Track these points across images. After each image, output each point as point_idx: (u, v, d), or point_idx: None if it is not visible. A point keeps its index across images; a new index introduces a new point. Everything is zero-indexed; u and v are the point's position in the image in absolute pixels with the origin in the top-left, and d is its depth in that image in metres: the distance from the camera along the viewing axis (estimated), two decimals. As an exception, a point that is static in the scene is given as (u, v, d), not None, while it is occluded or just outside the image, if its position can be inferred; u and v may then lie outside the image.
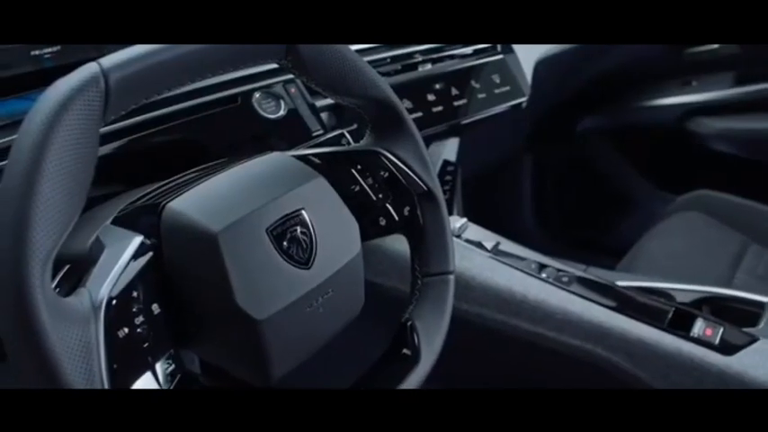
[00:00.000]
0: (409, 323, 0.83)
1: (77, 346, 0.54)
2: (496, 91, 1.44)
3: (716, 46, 2.03)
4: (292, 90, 1.08)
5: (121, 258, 0.60)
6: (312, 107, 1.09)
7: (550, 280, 1.14)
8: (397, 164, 0.84)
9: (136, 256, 0.62)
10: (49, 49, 0.90)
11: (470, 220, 1.25)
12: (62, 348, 0.53)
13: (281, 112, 1.05)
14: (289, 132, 1.05)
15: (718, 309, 1.15)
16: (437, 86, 1.32)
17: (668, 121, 2.12)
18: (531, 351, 1.13)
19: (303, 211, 0.70)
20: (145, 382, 0.63)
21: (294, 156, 0.77)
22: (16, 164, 0.54)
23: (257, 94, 1.03)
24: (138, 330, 0.60)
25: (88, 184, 0.58)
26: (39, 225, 0.53)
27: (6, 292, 0.52)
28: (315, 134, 1.08)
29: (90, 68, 0.56)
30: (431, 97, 1.30)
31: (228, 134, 0.99)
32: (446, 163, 1.44)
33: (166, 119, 0.91)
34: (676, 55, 2.10)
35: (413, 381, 0.79)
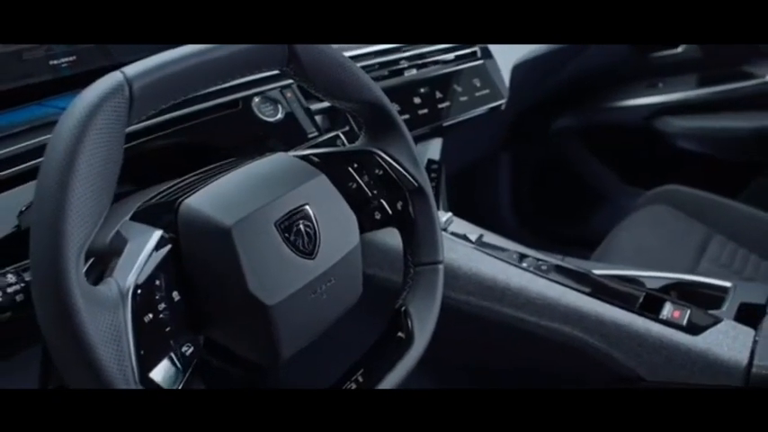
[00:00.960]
0: (403, 309, 0.84)
1: (109, 330, 0.56)
2: (477, 94, 1.43)
3: (680, 50, 2.06)
4: (289, 95, 1.08)
5: (144, 250, 0.62)
6: (307, 110, 1.10)
7: (531, 269, 1.15)
8: (390, 162, 0.85)
9: (157, 248, 0.63)
10: (66, 59, 0.91)
11: (455, 214, 1.25)
12: (96, 332, 0.54)
13: (279, 116, 1.06)
14: (286, 134, 1.06)
15: (685, 293, 1.16)
16: (422, 90, 1.32)
17: (636, 120, 2.14)
18: (513, 334, 1.14)
19: (307, 206, 0.71)
20: (166, 365, 0.64)
21: (297, 156, 0.79)
22: (51, 163, 0.55)
23: (257, 99, 1.03)
24: (161, 316, 0.62)
25: (115, 181, 0.59)
26: (73, 219, 0.54)
27: (45, 280, 0.54)
28: (311, 136, 1.08)
29: (115, 77, 0.58)
30: (417, 100, 1.30)
31: (231, 136, 1.00)
32: (430, 162, 1.45)
33: (174, 122, 0.92)
34: (643, 58, 2.12)
35: (408, 361, 0.81)
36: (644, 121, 2.13)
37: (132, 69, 0.60)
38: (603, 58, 2.12)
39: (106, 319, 0.56)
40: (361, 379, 0.78)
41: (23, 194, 0.78)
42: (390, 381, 0.79)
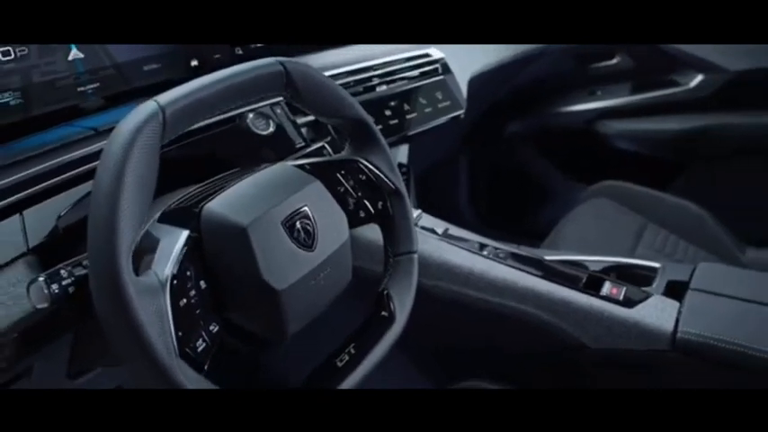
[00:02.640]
0: (385, 292, 0.88)
1: (154, 312, 0.60)
2: (439, 106, 1.45)
3: (615, 61, 2.05)
4: (278, 110, 1.10)
5: (176, 247, 0.66)
6: (294, 124, 1.12)
7: (490, 256, 1.18)
8: (371, 169, 0.89)
9: (185, 245, 0.67)
10: (92, 86, 0.93)
11: (423, 211, 1.28)
12: (144, 314, 0.59)
13: (271, 129, 1.08)
14: (277, 145, 1.07)
15: (622, 274, 1.19)
16: (392, 104, 1.34)
17: (579, 124, 2.15)
18: (477, 313, 1.17)
19: (306, 208, 0.75)
20: (198, 341, 0.67)
21: (295, 165, 0.82)
22: (104, 176, 0.60)
23: (251, 115, 1.05)
24: (192, 301, 0.66)
25: (153, 189, 0.64)
26: (124, 221, 0.59)
27: (102, 273, 0.59)
28: (298, 146, 1.10)
29: (151, 106, 0.64)
30: (387, 113, 1.32)
31: (230, 148, 1.01)
32: (400, 165, 1.40)
33: (181, 137, 0.93)
34: (584, 69, 2.11)
35: (391, 335, 0.84)
36: (585, 125, 2.14)
37: (164, 98, 0.65)
38: (549, 70, 2.11)
39: (151, 304, 0.60)
40: (353, 351, 0.80)
41: (59, 203, 0.80)
42: (377, 352, 0.82)
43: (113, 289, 0.58)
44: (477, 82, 1.65)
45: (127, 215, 0.60)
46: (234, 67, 0.73)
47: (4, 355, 0.74)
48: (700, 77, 1.94)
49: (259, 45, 1.15)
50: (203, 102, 0.68)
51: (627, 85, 2.09)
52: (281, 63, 0.77)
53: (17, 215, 0.77)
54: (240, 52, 1.12)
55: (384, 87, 1.35)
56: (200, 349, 0.65)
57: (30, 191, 0.78)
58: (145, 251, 0.65)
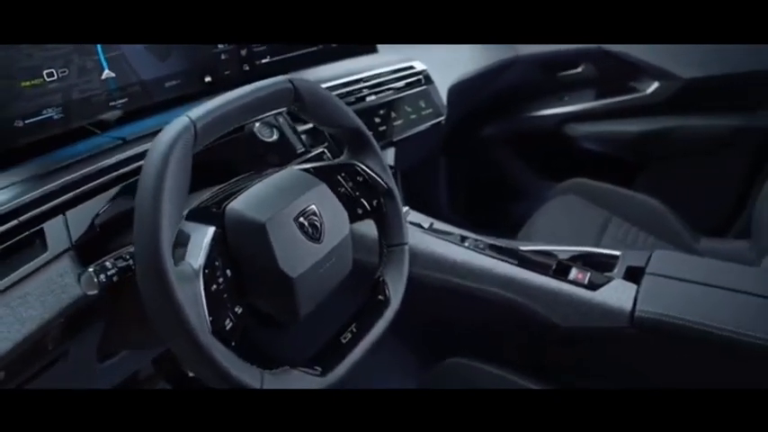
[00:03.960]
0: (381, 279, 0.91)
1: (191, 296, 0.64)
2: (422, 113, 1.48)
3: (580, 69, 2.05)
4: (281, 120, 1.12)
5: (205, 241, 0.70)
6: (295, 132, 1.14)
7: (471, 247, 1.20)
8: (367, 171, 0.92)
9: (213, 239, 0.70)
10: (121, 101, 0.95)
11: (410, 208, 1.25)
12: (183, 298, 0.63)
13: (275, 137, 1.10)
14: (281, 151, 1.10)
15: (587, 261, 1.19)
16: (380, 112, 1.36)
17: (549, 127, 2.14)
18: (460, 297, 1.18)
19: (313, 206, 0.79)
20: (226, 321, 0.70)
21: (302, 169, 0.86)
22: (148, 181, 0.64)
23: (257, 125, 1.07)
24: (221, 287, 0.70)
25: (187, 191, 0.68)
26: (166, 219, 0.64)
27: (148, 264, 0.63)
28: (299, 151, 1.12)
29: (184, 120, 0.68)
30: (377, 120, 1.34)
31: (239, 154, 1.03)
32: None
33: None
34: (553, 77, 2.10)
35: (387, 316, 0.88)
36: (554, 128, 2.13)
37: (195, 113, 0.69)
38: (521, 78, 2.10)
39: (189, 290, 0.64)
40: (354, 330, 0.84)
41: (94, 205, 0.83)
42: (375, 331, 0.85)
43: (158, 277, 0.62)
44: (455, 90, 1.66)
45: (167, 214, 0.64)
46: (251, 86, 0.77)
47: (51, 336, 0.78)
48: (656, 84, 1.94)
49: (264, 61, 1.16)
50: (227, 115, 0.72)
51: (591, 92, 2.09)
52: (291, 81, 0.81)
53: (61, 215, 0.80)
54: (247, 68, 1.14)
55: (373, 97, 1.37)
56: (228, 328, 0.69)
57: (71, 194, 0.81)
58: (178, 245, 0.68)
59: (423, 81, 1.52)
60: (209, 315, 0.67)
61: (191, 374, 1.33)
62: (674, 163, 2.02)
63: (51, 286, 0.76)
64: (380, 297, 0.91)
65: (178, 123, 0.68)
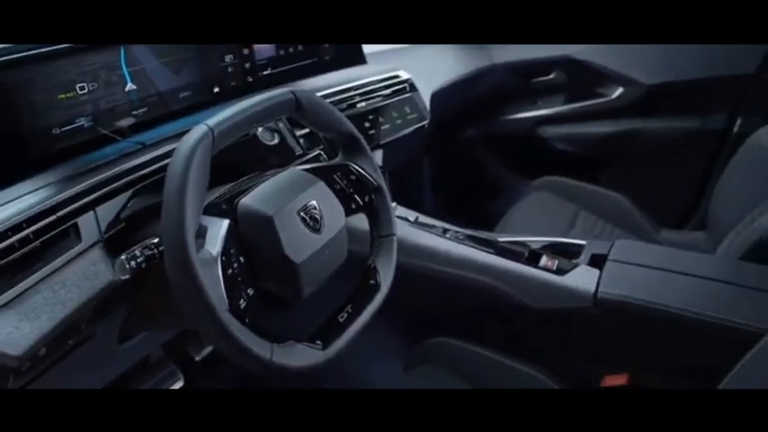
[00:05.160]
0: (372, 266, 0.94)
1: (211, 279, 0.69)
2: (408, 117, 1.50)
3: (552, 76, 2.05)
4: (281, 125, 1.16)
5: (221, 232, 0.74)
6: (294, 136, 1.17)
7: (452, 238, 1.22)
8: (360, 171, 0.95)
9: (227, 230, 0.75)
10: (142, 110, 0.96)
11: (397, 203, 1.26)
12: (205, 280, 0.67)
13: (276, 140, 1.13)
14: (281, 153, 1.13)
15: (557, 250, 1.21)
16: (370, 117, 1.40)
17: (523, 128, 2.14)
18: (442, 282, 1.21)
19: (313, 201, 0.83)
20: (241, 301, 0.73)
21: (303, 169, 0.89)
22: (173, 181, 0.69)
23: (260, 129, 1.10)
24: (235, 272, 0.74)
25: (206, 190, 0.72)
26: (189, 213, 0.68)
27: (176, 252, 0.67)
28: (297, 153, 1.15)
29: (203, 128, 0.72)
30: (366, 124, 1.38)
31: (244, 155, 1.06)
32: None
33: None
34: (527, 83, 2.10)
35: (378, 299, 0.91)
36: (528, 129, 2.13)
37: (212, 121, 0.73)
38: (497, 84, 2.09)
39: (209, 273, 0.69)
40: (350, 310, 0.87)
41: (119, 202, 0.87)
42: (368, 312, 0.88)
43: (184, 262, 0.67)
44: (437, 96, 1.68)
45: (191, 208, 0.69)
46: (258, 97, 0.81)
47: (85, 317, 0.82)
48: (620, 90, 1.96)
49: (265, 73, 1.19)
50: (240, 123, 0.77)
51: (562, 97, 2.09)
52: (293, 92, 0.85)
53: (92, 211, 0.84)
54: (251, 80, 1.17)
55: (363, 104, 1.40)
56: (242, 307, 0.73)
57: (100, 192, 0.85)
58: (198, 236, 0.72)
59: (407, 89, 1.54)
60: (227, 295, 0.71)
61: (197, 359, 1.39)
62: (638, 162, 2.03)
63: (86, 273, 0.80)
64: (372, 282, 0.93)
65: (198, 130, 0.72)
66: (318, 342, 0.81)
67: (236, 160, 1.03)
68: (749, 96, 1.85)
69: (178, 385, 1.26)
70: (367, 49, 1.45)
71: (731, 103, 1.88)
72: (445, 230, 1.27)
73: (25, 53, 0.81)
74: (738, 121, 1.88)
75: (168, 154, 0.92)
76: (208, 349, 1.37)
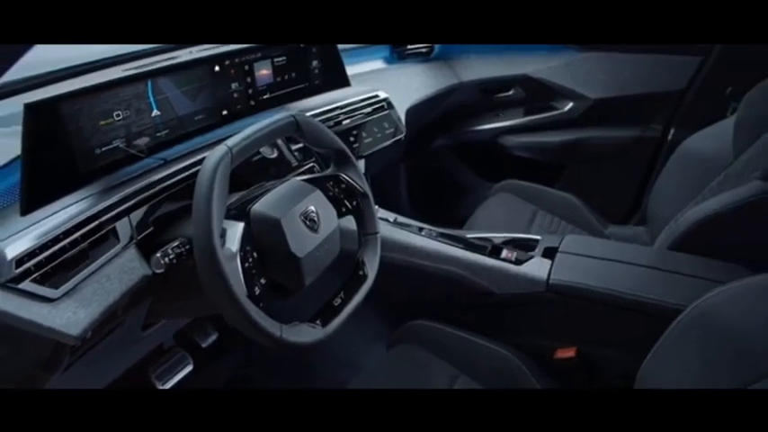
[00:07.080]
0: (360, 260, 1.01)
1: (233, 270, 0.76)
2: (386, 132, 1.55)
3: (511, 92, 2.08)
4: (279, 141, 1.21)
5: (238, 233, 0.81)
6: (290, 150, 1.22)
7: (426, 235, 1.27)
8: (348, 180, 1.01)
9: (243, 232, 0.82)
10: (165, 131, 1.00)
11: (379, 206, 1.27)
12: (228, 272, 0.74)
13: (275, 154, 1.18)
14: (280, 165, 1.18)
15: (515, 244, 1.26)
16: (354, 132, 1.44)
17: (487, 138, 2.17)
18: (418, 274, 1.25)
19: (312, 206, 0.89)
20: (255, 289, 0.78)
21: (302, 180, 0.95)
22: (202, 189, 0.76)
23: None
24: (251, 265, 0.81)
25: (227, 199, 0.79)
26: (215, 217, 0.75)
27: (205, 248, 0.74)
28: (294, 165, 1.20)
29: (224, 148, 0.79)
30: (351, 139, 1.42)
31: (249, 167, 1.11)
32: None
33: None
34: (490, 98, 2.13)
35: (366, 287, 0.97)
36: (491, 139, 2.15)
37: (231, 141, 0.80)
38: (464, 99, 2.10)
39: (231, 266, 0.76)
40: (342, 296, 0.94)
41: (148, 209, 0.93)
42: (357, 298, 0.95)
43: (212, 257, 0.74)
44: (411, 111, 1.73)
45: (216, 213, 0.76)
46: (266, 121, 0.88)
47: (122, 306, 0.89)
48: (571, 104, 2.01)
49: (265, 97, 1.23)
50: (252, 143, 0.84)
51: (521, 110, 2.12)
52: (294, 116, 0.92)
53: (127, 217, 0.91)
54: (253, 103, 1.22)
55: (347, 121, 1.44)
56: (257, 294, 0.81)
57: (133, 201, 0.92)
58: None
59: (386, 106, 1.59)
60: (245, 284, 0.78)
61: (203, 345, 1.45)
62: (587, 166, 2.07)
63: (125, 268, 0.87)
64: (360, 273, 1.00)
65: (220, 150, 0.80)
66: (318, 322, 0.88)
67: (244, 171, 1.08)
68: (680, 110, 1.91)
69: (188, 368, 1.32)
70: (350, 70, 1.49)
71: (666, 115, 1.94)
72: (420, 229, 1.30)
73: (74, 89, 0.87)
74: (672, 131, 1.94)
75: (185, 168, 0.99)
76: (212, 338, 1.43)
